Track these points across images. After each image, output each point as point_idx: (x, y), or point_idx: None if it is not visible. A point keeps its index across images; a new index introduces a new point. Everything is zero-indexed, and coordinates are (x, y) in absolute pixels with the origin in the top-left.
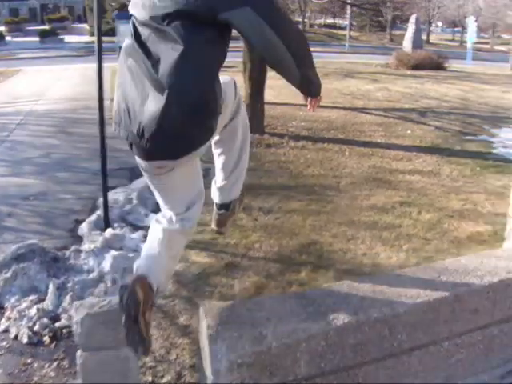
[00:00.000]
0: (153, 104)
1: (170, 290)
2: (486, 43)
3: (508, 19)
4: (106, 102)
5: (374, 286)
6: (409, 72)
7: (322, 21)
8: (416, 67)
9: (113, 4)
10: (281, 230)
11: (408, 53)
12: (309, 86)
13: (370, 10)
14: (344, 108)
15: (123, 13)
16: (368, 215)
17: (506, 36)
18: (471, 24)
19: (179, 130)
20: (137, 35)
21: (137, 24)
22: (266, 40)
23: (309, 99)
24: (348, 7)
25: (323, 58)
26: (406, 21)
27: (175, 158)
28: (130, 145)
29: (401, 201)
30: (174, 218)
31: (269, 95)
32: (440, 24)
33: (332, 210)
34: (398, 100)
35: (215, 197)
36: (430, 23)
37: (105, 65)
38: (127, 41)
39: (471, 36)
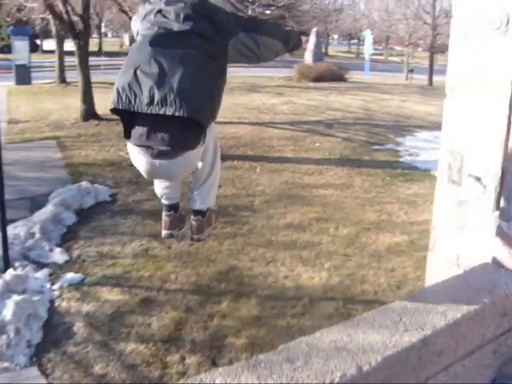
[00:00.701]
0: (178, 74)
1: (82, 335)
2: (381, 54)
3: (400, 32)
4: (2, 125)
5: (335, 342)
6: (311, 84)
7: None
8: (318, 79)
9: (8, 19)
10: (197, 258)
11: (309, 65)
12: (294, 47)
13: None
14: (251, 123)
15: (19, 29)
16: (285, 234)
17: (397, 48)
18: (368, 37)
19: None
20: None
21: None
22: (266, 46)
23: None
24: None
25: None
26: (305, 34)
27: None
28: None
29: (317, 217)
30: None
31: None
32: (336, 37)
33: (248, 232)
34: (304, 113)
35: (192, 204)
36: (328, 36)
37: (0, 84)
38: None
39: (368, 48)
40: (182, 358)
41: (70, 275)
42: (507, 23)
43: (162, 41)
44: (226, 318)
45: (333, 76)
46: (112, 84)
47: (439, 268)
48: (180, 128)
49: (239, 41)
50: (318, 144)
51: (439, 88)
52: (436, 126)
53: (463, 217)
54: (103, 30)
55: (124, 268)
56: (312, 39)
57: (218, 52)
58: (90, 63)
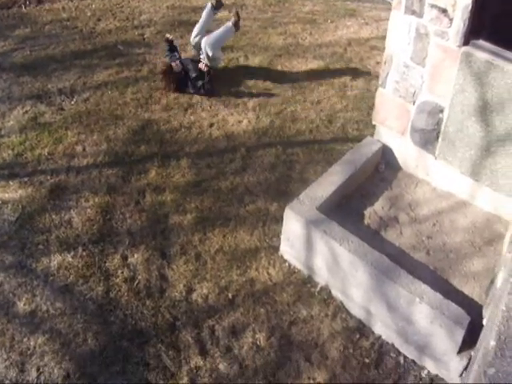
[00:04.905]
0: None
1: None
2: None
3: None
4: None
5: None
6: None
7: None
8: None
9: None
10: (100, 117)
11: None
12: None
13: None
14: None
15: None
16: None
17: None
18: None
19: None
20: None
21: None
22: None
23: None
24: None
25: None
26: None
27: None
28: None
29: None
30: None
31: None
32: None
33: (150, 73)
34: None
35: None
36: None
37: None
38: None
39: None
40: (124, 258)
41: None
42: None
43: None
44: (160, 190)
45: None
46: None
47: (390, 104)
48: None
49: None
50: None
51: None
52: None
53: (423, 51)
54: None
55: (14, 150)
56: None
57: None
58: None
